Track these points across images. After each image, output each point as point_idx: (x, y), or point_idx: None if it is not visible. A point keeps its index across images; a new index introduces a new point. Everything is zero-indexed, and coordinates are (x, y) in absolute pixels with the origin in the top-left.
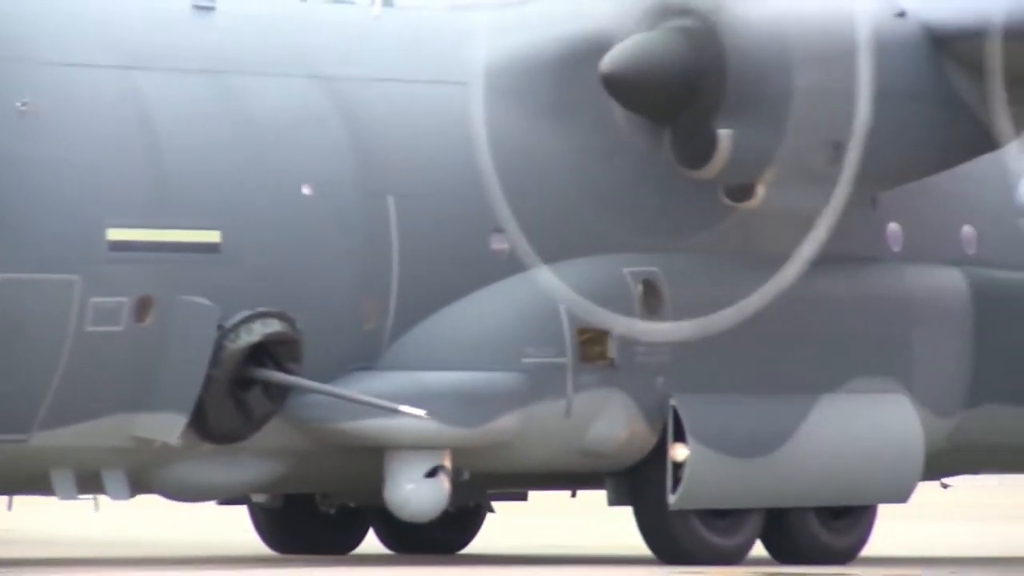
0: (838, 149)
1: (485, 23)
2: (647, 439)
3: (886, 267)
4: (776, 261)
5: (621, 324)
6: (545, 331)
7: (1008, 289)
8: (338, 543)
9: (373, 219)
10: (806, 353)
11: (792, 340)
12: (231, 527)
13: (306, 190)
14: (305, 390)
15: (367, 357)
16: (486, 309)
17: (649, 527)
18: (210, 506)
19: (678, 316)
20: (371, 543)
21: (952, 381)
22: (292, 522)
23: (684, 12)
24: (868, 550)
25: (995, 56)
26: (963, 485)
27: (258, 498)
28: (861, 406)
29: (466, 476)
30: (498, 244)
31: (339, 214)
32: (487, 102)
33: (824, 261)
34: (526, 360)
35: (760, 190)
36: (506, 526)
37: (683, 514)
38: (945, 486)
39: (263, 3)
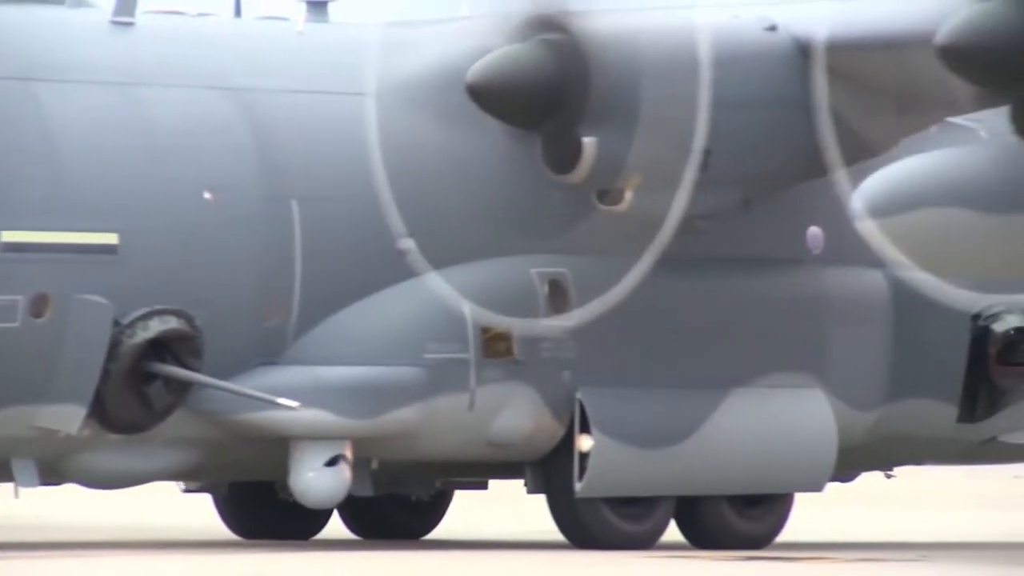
0: (700, 156)
1: (390, 38)
2: (555, 431)
3: (804, 268)
4: (682, 261)
5: (499, 321)
6: (448, 329)
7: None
8: (301, 529)
9: (277, 222)
10: (718, 350)
11: (703, 337)
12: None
13: (207, 195)
14: (188, 382)
15: (271, 353)
16: (389, 308)
17: (560, 514)
18: (175, 493)
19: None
20: (336, 528)
21: (872, 377)
22: (255, 508)
23: (551, 27)
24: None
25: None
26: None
27: (191, 486)
28: (774, 400)
29: (375, 465)
30: (404, 246)
31: (242, 218)
32: (390, 113)
33: (740, 262)
34: (428, 356)
35: (627, 195)
36: (471, 513)
37: (591, 501)
38: (889, 476)
39: (186, 20)
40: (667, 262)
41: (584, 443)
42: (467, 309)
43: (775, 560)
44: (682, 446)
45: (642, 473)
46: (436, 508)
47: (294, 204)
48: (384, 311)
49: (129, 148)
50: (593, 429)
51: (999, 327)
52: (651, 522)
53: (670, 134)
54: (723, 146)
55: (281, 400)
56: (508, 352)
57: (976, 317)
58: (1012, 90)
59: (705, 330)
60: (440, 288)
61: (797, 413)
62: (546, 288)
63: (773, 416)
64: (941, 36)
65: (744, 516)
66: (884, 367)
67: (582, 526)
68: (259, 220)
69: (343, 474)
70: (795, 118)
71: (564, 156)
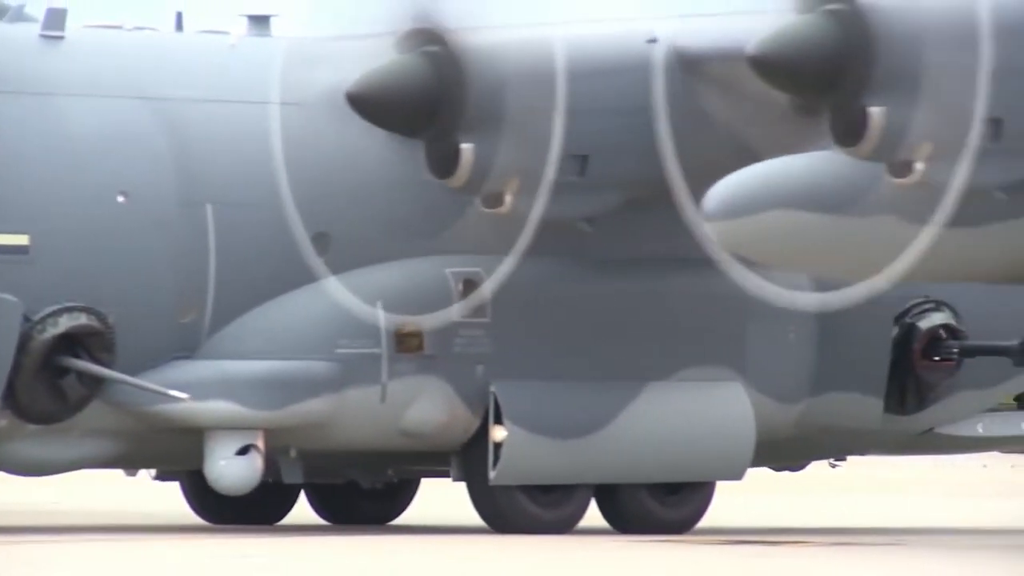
0: (580, 161)
1: (298, 52)
2: (470, 422)
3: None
4: (602, 260)
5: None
6: (360, 325)
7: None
8: (266, 513)
9: (191, 225)
10: (636, 345)
11: (621, 333)
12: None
13: (121, 199)
14: (92, 375)
15: (187, 348)
16: (303, 305)
17: (478, 501)
18: (145, 480)
19: (497, 313)
20: (303, 513)
21: (794, 371)
22: (220, 495)
23: (430, 40)
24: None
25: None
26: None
27: (162, 473)
28: (691, 393)
29: (293, 454)
30: (320, 246)
31: (157, 220)
32: (303, 122)
33: (660, 261)
34: (339, 351)
35: (508, 198)
36: (438, 500)
37: (506, 489)
38: (834, 466)
39: (118, 34)
40: (587, 261)
41: (497, 434)
42: (380, 307)
43: (756, 544)
44: (595, 437)
45: (555, 462)
46: (402, 495)
47: (209, 208)
48: (298, 309)
49: (46, 155)
50: (505, 420)
51: (924, 324)
52: (568, 508)
53: (542, 140)
54: (600, 152)
55: (172, 392)
56: (419, 347)
57: (903, 315)
58: (825, 100)
59: (623, 327)
60: (341, 292)
61: (715, 405)
62: (460, 287)
63: (690, 408)
64: (752, 48)
65: (664, 503)
66: (808, 361)
67: (499, 512)
68: (174, 223)
69: (254, 462)
70: (676, 126)
71: (445, 161)
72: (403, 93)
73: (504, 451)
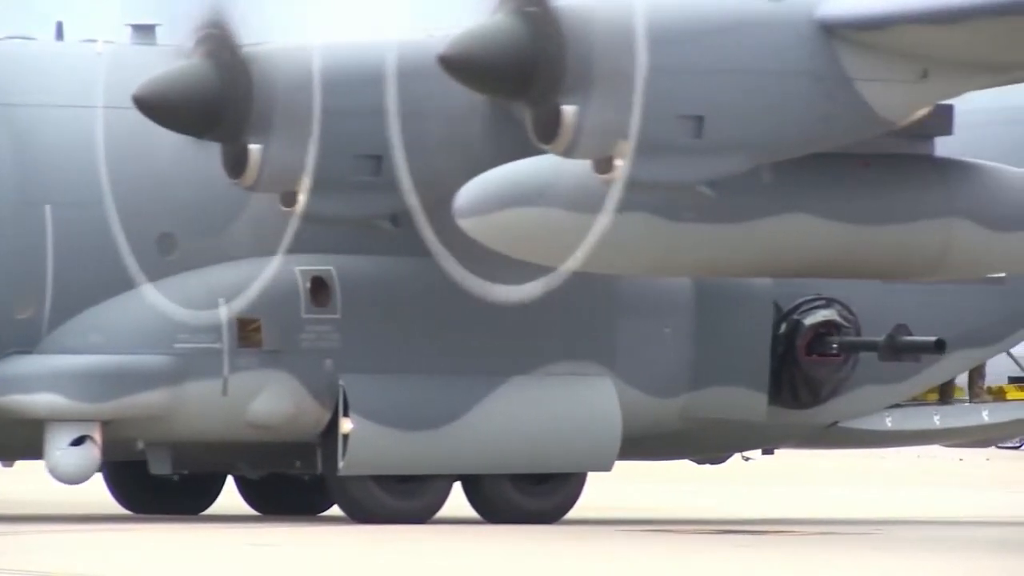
0: (373, 162)
1: (121, 58)
2: (320, 415)
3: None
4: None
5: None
6: (202, 321)
7: (728, 282)
8: (190, 503)
9: (29, 224)
10: (496, 340)
11: (480, 329)
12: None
13: None
14: None
15: (26, 343)
16: (144, 302)
17: (334, 491)
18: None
19: (347, 309)
20: (232, 503)
21: (671, 365)
22: (145, 484)
23: (220, 46)
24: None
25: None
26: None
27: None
28: (556, 387)
29: (140, 446)
30: (163, 244)
31: None
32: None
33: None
34: (178, 345)
35: (300, 198)
36: None
37: (358, 479)
38: (747, 459)
39: None
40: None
41: (344, 426)
42: (222, 303)
43: (741, 533)
44: (448, 429)
45: (405, 453)
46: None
47: (47, 209)
48: (138, 305)
49: None
50: (352, 413)
51: (809, 320)
52: (425, 499)
53: (347, 142)
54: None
55: None
56: (262, 342)
57: (792, 311)
58: (519, 99)
59: (482, 322)
60: (154, 297)
61: (580, 399)
62: (308, 284)
63: (553, 402)
64: (443, 48)
65: (530, 493)
66: (685, 356)
67: (354, 502)
68: (12, 223)
69: (90, 453)
70: (458, 127)
71: (234, 163)
72: (187, 96)
73: (351, 443)
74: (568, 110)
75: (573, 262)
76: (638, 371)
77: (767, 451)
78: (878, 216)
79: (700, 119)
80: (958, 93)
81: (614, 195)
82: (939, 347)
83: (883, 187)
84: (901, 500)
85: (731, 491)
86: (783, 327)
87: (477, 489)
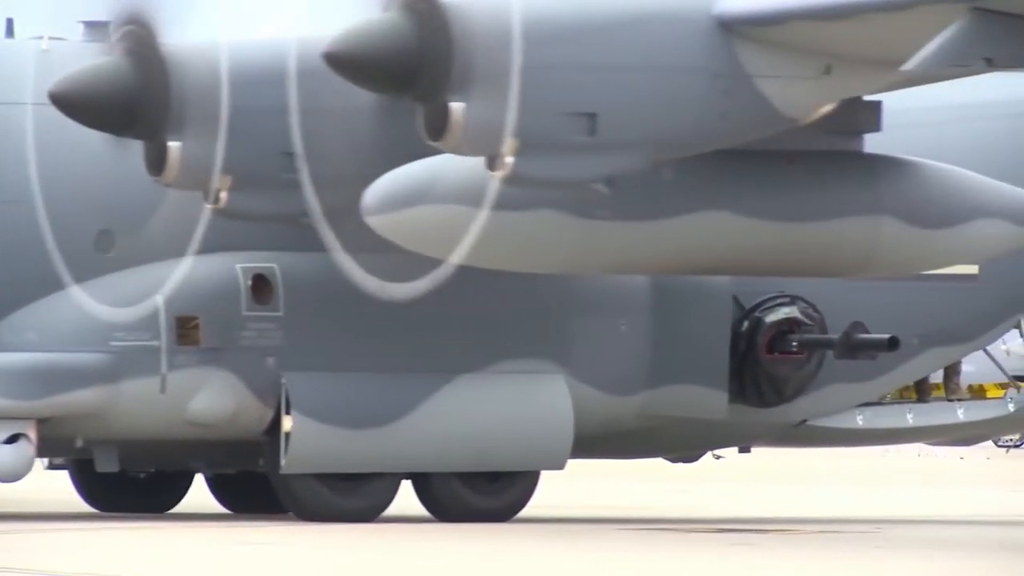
0: (290, 159)
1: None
2: (262, 413)
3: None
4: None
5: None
6: (139, 318)
7: (687, 280)
8: (157, 502)
9: None
10: (444, 338)
11: (428, 326)
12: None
13: None
14: None
15: None
16: (81, 301)
17: (278, 489)
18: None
19: (289, 307)
20: (201, 502)
21: (627, 363)
22: (111, 483)
23: (139, 44)
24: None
25: None
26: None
27: (55, 462)
28: (506, 385)
29: (80, 443)
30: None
31: None
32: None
33: None
34: (114, 343)
35: (223, 195)
36: None
37: (301, 477)
38: (718, 457)
39: None
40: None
41: (286, 424)
42: (160, 300)
43: (745, 532)
44: (393, 427)
45: (347, 452)
46: None
47: None
48: (73, 304)
49: None
50: (293, 411)
51: (771, 318)
52: (370, 497)
53: (264, 139)
54: (312, 151)
55: None
56: (199, 340)
57: (754, 309)
58: (407, 96)
59: (430, 320)
60: (81, 299)
61: (531, 397)
62: (250, 282)
63: (503, 400)
64: (327, 44)
65: (482, 492)
66: (642, 354)
67: (297, 499)
68: None
69: (24, 451)
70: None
71: (154, 159)
72: (104, 93)
73: (292, 441)
74: (456, 107)
75: (457, 257)
76: (593, 369)
77: (743, 449)
78: (802, 213)
79: (593, 116)
80: (865, 90)
81: (492, 192)
82: (892, 345)
83: (808, 184)
84: (901, 500)
85: (730, 490)
86: (745, 324)
87: (426, 488)
